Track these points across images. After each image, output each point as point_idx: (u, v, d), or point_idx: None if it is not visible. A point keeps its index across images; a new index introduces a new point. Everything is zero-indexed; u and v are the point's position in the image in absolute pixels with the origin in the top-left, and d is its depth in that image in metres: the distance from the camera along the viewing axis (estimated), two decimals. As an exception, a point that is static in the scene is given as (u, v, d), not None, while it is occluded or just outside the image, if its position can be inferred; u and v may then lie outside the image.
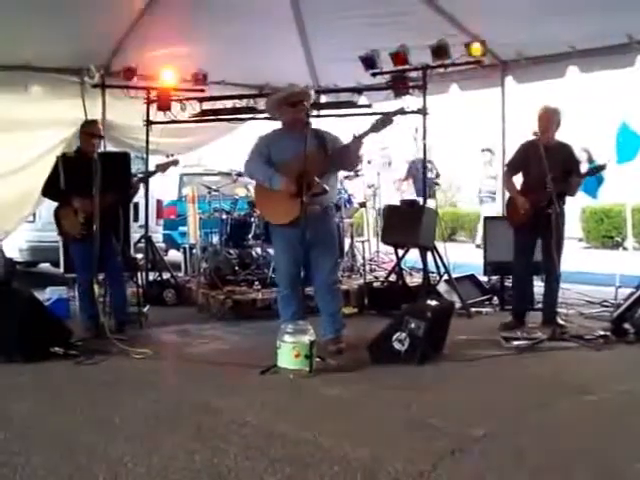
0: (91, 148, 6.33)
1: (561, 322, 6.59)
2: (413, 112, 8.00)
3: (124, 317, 6.70)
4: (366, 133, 5.67)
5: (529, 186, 6.68)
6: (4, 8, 7.08)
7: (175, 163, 7.20)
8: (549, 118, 6.61)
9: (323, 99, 10.20)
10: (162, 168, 7.08)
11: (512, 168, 7.03)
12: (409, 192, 13.15)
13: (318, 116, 8.61)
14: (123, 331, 6.49)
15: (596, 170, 7.02)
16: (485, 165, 14.96)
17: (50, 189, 6.42)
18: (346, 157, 5.72)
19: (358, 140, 5.68)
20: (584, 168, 6.95)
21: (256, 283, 8.30)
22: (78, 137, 6.63)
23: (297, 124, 5.67)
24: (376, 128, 5.65)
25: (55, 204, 6.56)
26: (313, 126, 5.86)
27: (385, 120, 5.67)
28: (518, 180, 6.95)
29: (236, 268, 8.86)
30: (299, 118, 5.66)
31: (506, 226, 7.14)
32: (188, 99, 9.08)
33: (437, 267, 8.12)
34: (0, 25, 7.27)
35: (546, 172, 6.18)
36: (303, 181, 5.38)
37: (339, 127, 6.16)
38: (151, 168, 7.82)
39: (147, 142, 8.91)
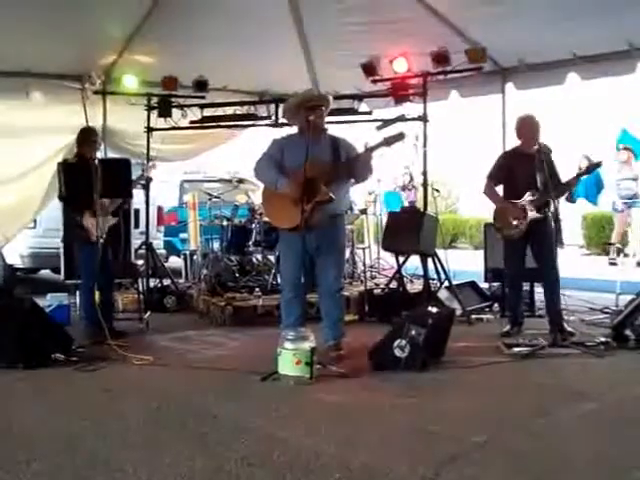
0: (94, 155, 6.37)
1: (569, 329, 6.58)
2: (413, 119, 8.02)
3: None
4: (377, 146, 5.68)
5: (516, 195, 6.66)
6: (5, 14, 7.09)
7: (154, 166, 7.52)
8: (536, 126, 6.64)
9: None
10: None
11: (494, 178, 6.92)
12: None
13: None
14: (124, 338, 6.48)
15: (591, 168, 6.86)
16: (622, 166, 13.08)
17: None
18: (354, 168, 5.71)
19: (368, 152, 5.69)
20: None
21: (257, 290, 8.30)
22: (78, 143, 6.61)
23: (313, 129, 5.63)
24: (388, 142, 5.65)
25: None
26: (330, 133, 5.90)
27: (397, 135, 5.67)
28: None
29: (237, 275, 8.88)
30: (315, 123, 5.65)
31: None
32: (189, 106, 9.09)
33: (438, 274, 8.12)
34: (1, 31, 7.28)
35: (535, 180, 6.25)
36: (307, 188, 5.38)
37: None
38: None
39: (148, 149, 8.92)
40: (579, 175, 6.70)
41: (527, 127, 6.67)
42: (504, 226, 6.77)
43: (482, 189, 6.99)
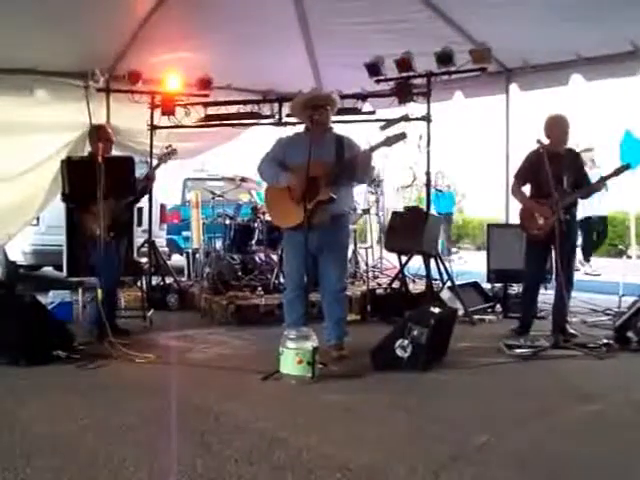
0: (103, 152, 6.30)
1: (572, 331, 6.56)
2: (417, 119, 8.01)
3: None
4: (378, 146, 5.66)
5: (543, 195, 6.57)
6: (9, 12, 7.10)
7: (174, 152, 7.31)
8: (565, 126, 6.59)
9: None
10: (164, 159, 7.18)
11: (522, 178, 6.85)
12: None
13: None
14: (126, 335, 6.48)
15: (621, 170, 6.64)
16: None
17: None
18: (353, 168, 5.66)
19: (368, 152, 5.67)
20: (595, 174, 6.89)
21: (259, 288, 8.28)
22: (96, 141, 6.53)
23: (317, 128, 5.65)
24: (389, 142, 5.63)
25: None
26: (335, 132, 5.90)
27: (399, 135, 5.65)
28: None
29: (239, 273, 8.87)
30: (320, 122, 5.65)
31: (509, 233, 7.12)
32: (192, 104, 9.09)
33: (440, 274, 8.12)
34: (5, 29, 7.29)
35: (562, 180, 6.20)
36: (309, 188, 5.38)
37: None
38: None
39: (151, 146, 8.94)
40: (607, 177, 6.64)
41: (557, 126, 6.60)
42: (530, 226, 6.70)
43: (510, 188, 6.97)
